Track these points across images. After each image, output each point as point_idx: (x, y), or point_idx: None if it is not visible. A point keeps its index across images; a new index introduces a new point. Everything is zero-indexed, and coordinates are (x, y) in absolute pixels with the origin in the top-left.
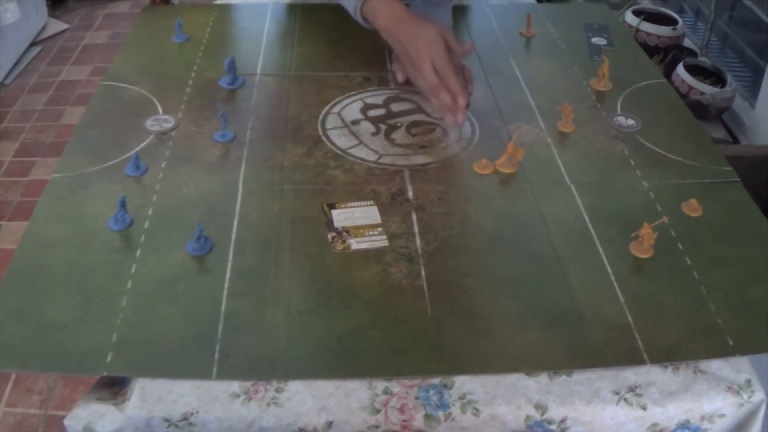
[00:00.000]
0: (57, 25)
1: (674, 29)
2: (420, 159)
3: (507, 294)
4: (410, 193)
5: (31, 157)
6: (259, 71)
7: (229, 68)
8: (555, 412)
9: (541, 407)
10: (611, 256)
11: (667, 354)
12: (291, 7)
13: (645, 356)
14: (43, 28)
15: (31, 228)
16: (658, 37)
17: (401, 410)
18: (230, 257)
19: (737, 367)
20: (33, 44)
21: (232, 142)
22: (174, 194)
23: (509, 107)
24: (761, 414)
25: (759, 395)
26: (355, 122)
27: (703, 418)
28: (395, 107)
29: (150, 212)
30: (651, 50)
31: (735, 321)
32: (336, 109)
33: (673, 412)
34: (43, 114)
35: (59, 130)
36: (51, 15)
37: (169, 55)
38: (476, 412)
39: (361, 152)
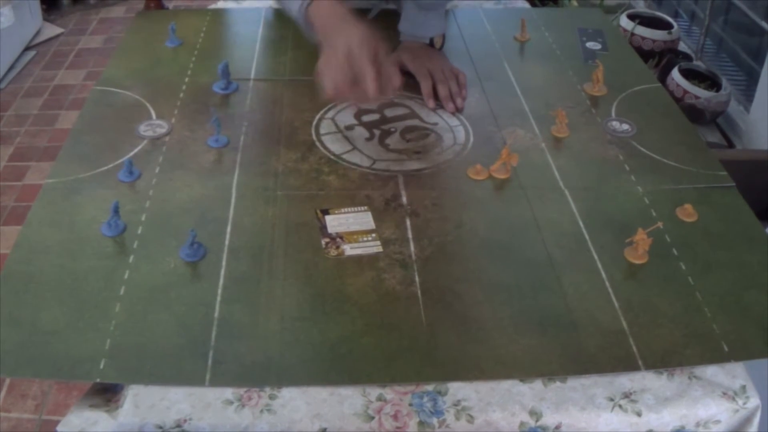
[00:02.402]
0: (52, 30)
1: (669, 33)
2: (414, 164)
3: (501, 300)
4: (404, 199)
5: (25, 161)
6: (252, 76)
7: (222, 73)
8: (549, 419)
9: (535, 414)
10: (606, 262)
11: (662, 360)
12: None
13: (640, 362)
14: (38, 33)
15: (24, 234)
16: (653, 41)
17: (395, 417)
18: (223, 263)
19: (732, 373)
20: (27, 48)
21: (225, 147)
22: (167, 200)
23: (503, 112)
24: (756, 420)
25: (754, 401)
26: (349, 127)
27: (698, 424)
28: (389, 112)
29: (143, 218)
30: (646, 54)
31: (730, 326)
32: (330, 115)
33: (668, 418)
34: (37, 118)
35: (54, 135)
36: (46, 19)
37: (162, 60)
38: (470, 418)
39: (355, 158)
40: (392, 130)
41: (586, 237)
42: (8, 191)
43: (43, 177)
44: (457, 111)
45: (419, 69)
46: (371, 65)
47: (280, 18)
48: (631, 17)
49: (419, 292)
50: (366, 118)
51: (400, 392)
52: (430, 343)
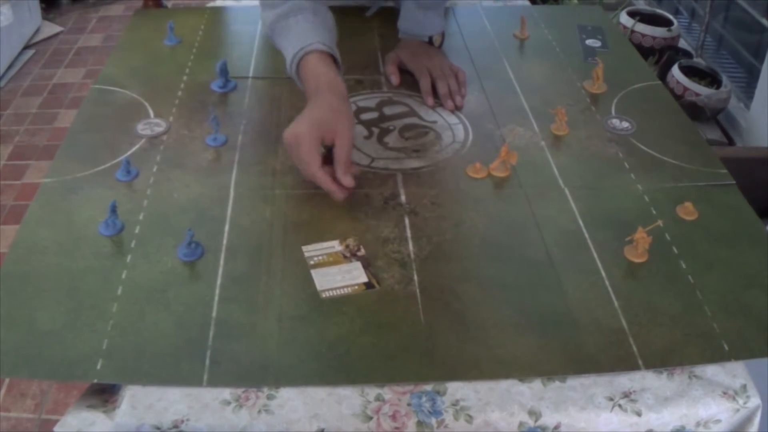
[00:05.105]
0: (51, 28)
1: (669, 30)
2: (413, 163)
3: (500, 299)
4: (403, 197)
5: (24, 160)
6: (251, 74)
7: (221, 72)
8: (549, 419)
9: (534, 413)
10: (605, 261)
11: (662, 359)
12: None
13: (640, 361)
14: (37, 31)
15: (22, 233)
16: (653, 38)
17: (393, 417)
18: (221, 263)
19: (732, 372)
20: (27, 47)
21: (223, 146)
22: (165, 199)
23: (503, 110)
24: (757, 420)
25: (755, 400)
26: None
27: (698, 424)
28: (388, 110)
29: (141, 217)
30: (646, 52)
31: (730, 325)
32: None
33: (669, 417)
34: (36, 117)
35: (53, 134)
36: (45, 18)
37: (160, 59)
38: (469, 418)
39: (353, 156)
40: (391, 128)
41: (586, 235)
42: (7, 190)
43: (42, 176)
44: (456, 109)
45: (418, 67)
46: (309, 164)
47: None
48: (631, 14)
49: (418, 291)
50: (365, 116)
51: (399, 392)
52: (428, 342)
